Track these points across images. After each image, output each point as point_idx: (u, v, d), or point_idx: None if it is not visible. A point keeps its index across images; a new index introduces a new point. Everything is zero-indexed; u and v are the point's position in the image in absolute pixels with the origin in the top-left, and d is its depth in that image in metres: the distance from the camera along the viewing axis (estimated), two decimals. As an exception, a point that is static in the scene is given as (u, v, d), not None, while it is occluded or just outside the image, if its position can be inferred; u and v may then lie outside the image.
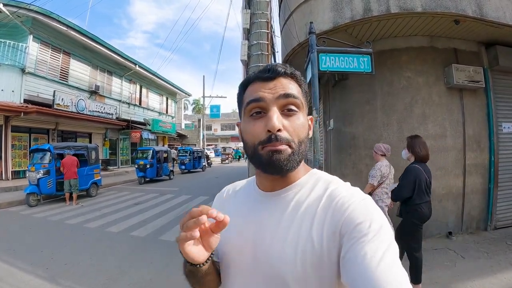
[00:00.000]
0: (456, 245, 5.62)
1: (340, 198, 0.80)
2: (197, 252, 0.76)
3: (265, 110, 0.83)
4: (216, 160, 40.93)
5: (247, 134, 0.86)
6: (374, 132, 6.48)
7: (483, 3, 5.20)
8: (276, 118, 0.79)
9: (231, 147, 49.15)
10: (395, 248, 0.68)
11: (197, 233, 0.70)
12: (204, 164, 27.23)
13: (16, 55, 14.89)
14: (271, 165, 0.81)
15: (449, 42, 6.37)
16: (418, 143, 4.26)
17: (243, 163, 38.30)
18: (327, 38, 5.27)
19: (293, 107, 0.84)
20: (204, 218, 0.69)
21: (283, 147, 0.80)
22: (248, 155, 0.87)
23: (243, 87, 0.93)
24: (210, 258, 0.82)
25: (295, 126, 0.83)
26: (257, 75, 0.89)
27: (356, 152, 6.75)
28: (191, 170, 25.15)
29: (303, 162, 0.91)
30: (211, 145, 54.05)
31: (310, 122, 0.93)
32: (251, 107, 0.85)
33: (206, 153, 30.15)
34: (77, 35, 18.02)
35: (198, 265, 0.80)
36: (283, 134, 0.80)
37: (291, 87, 0.85)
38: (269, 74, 0.86)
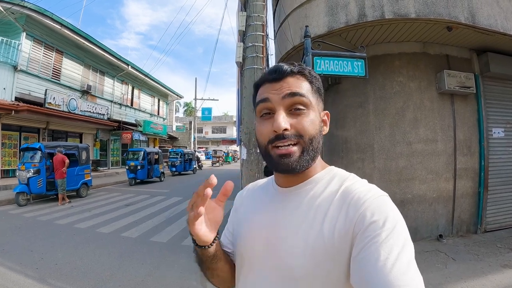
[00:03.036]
0: (447, 247, 5.68)
1: (356, 194, 0.79)
2: (205, 231, 0.80)
3: (273, 111, 0.84)
4: (207, 163, 40.82)
5: (258, 134, 0.88)
6: (366, 136, 6.53)
7: (475, 11, 5.28)
8: (281, 118, 0.80)
9: (222, 150, 48.89)
10: (410, 249, 0.66)
11: (202, 209, 0.73)
12: (194, 166, 27.24)
13: (8, 52, 14.75)
14: (280, 167, 0.83)
15: (441, 49, 6.47)
16: None
17: (234, 165, 38.24)
18: (321, 42, 5.32)
19: (300, 106, 0.83)
20: (208, 191, 0.72)
21: (292, 149, 0.81)
22: (262, 154, 0.89)
23: (256, 88, 0.94)
24: (216, 238, 0.86)
25: (304, 124, 0.82)
26: (266, 76, 0.90)
27: (348, 155, 6.79)
28: (182, 172, 25.14)
29: (319, 159, 0.92)
30: (202, 147, 53.81)
31: (326, 117, 0.94)
32: (260, 108, 0.87)
33: (197, 155, 30.10)
34: (70, 33, 17.91)
35: (207, 246, 0.84)
36: (291, 132, 0.81)
37: (299, 85, 0.85)
38: (276, 75, 0.86)
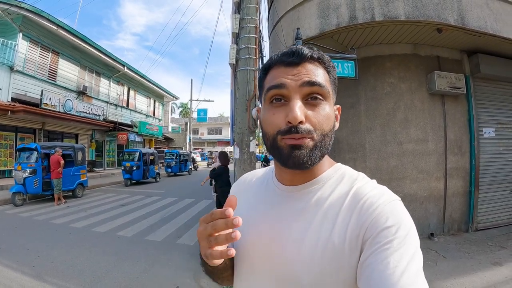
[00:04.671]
0: (438, 245, 5.76)
1: (368, 198, 0.75)
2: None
3: (287, 98, 0.76)
4: (202, 164, 40.69)
5: (266, 123, 0.80)
6: (358, 136, 6.62)
7: (464, 13, 5.35)
8: (298, 108, 0.73)
9: (217, 151, 48.74)
10: (419, 258, 0.65)
11: (231, 251, 0.66)
12: (190, 167, 27.16)
13: (5, 53, 14.69)
14: (291, 160, 0.75)
15: (432, 50, 6.56)
16: (222, 156, 7.42)
17: (229, 167, 38.07)
18: (313, 44, 5.38)
19: (318, 96, 0.76)
20: (230, 212, 0.66)
21: (305, 141, 0.73)
22: (267, 146, 0.80)
23: (265, 71, 0.85)
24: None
25: (319, 118, 0.75)
26: (281, 58, 0.80)
27: (340, 155, 6.84)
28: (177, 173, 25.08)
29: (326, 155, 0.84)
30: (198, 148, 53.49)
31: (337, 112, 0.86)
32: (272, 93, 0.78)
33: (192, 156, 30.02)
34: (66, 34, 17.84)
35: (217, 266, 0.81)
36: (305, 126, 0.74)
37: (318, 74, 0.78)
38: (294, 58, 0.78)
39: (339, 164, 0.89)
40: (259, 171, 1.08)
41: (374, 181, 0.83)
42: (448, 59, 6.67)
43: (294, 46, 0.82)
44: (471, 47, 6.48)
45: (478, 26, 5.41)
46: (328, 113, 0.77)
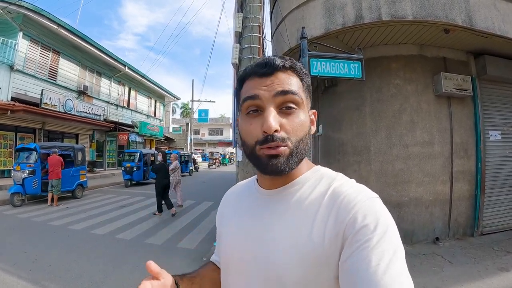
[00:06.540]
0: (444, 250, 5.66)
1: (345, 196, 0.75)
2: None
3: (262, 109, 0.79)
4: (203, 165, 40.71)
5: (244, 133, 0.82)
6: (363, 139, 6.53)
7: (472, 13, 5.28)
8: (272, 118, 0.75)
9: (218, 152, 48.70)
10: (401, 253, 0.65)
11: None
12: (191, 168, 27.13)
13: (5, 52, 14.65)
14: (269, 168, 0.77)
15: (438, 51, 6.47)
16: (161, 155, 10.27)
17: (230, 168, 38.16)
18: (318, 43, 5.30)
19: (291, 105, 0.78)
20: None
21: (281, 149, 0.76)
22: (246, 154, 0.84)
23: (240, 82, 0.87)
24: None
25: (294, 125, 0.78)
26: (254, 69, 0.83)
27: (345, 158, 6.78)
28: (178, 174, 24.90)
29: (305, 159, 0.87)
30: (199, 149, 53.71)
31: (313, 117, 0.89)
32: (247, 104, 0.81)
33: (193, 157, 30.03)
34: (67, 34, 17.82)
35: None
36: (280, 134, 0.76)
37: (290, 82, 0.80)
38: (266, 69, 0.80)
39: (318, 166, 0.91)
40: (243, 182, 1.12)
41: (353, 180, 0.84)
42: (454, 60, 6.58)
43: (267, 57, 0.84)
44: (478, 48, 6.40)
45: (485, 27, 5.36)
46: (302, 120, 0.80)
